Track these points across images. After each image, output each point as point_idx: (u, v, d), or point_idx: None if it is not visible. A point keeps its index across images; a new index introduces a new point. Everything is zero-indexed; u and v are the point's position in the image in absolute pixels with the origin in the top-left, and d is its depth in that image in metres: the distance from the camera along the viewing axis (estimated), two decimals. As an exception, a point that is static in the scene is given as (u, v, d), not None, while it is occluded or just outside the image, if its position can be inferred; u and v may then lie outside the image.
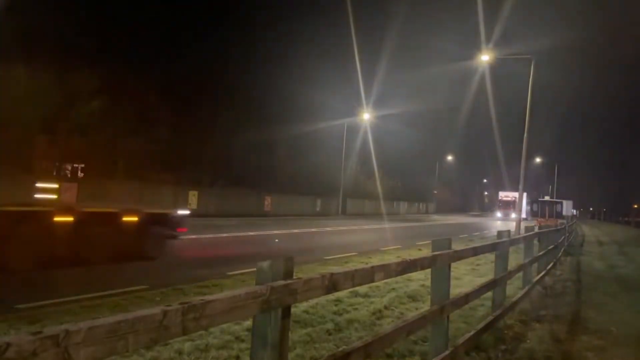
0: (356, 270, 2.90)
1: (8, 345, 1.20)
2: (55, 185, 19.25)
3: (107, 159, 37.50)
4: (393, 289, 8.20)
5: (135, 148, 37.96)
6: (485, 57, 23.78)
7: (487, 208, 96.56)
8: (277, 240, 17.42)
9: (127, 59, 38.06)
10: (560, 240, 15.03)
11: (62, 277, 8.46)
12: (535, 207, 52.41)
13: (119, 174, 36.23)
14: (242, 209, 33.93)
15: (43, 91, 30.74)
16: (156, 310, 1.63)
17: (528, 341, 5.84)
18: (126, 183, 30.78)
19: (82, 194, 24.66)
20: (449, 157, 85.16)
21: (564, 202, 49.36)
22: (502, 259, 6.53)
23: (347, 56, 60.60)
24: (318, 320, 5.97)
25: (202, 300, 1.81)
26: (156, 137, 41.10)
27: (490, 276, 7.40)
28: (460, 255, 5.08)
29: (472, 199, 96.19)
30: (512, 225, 26.81)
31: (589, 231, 40.70)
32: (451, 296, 4.54)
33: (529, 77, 22.29)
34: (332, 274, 2.63)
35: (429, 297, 4.64)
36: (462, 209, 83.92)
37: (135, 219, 10.54)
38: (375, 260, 11.28)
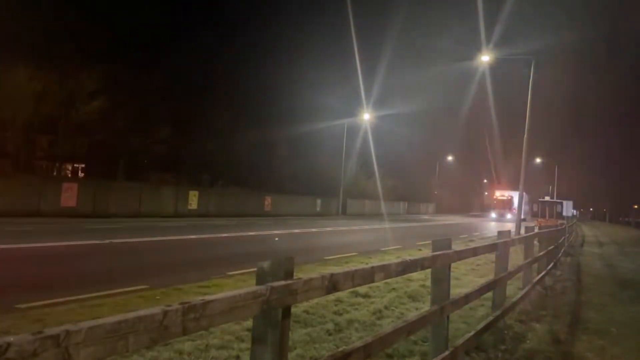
0: (356, 271, 2.90)
1: (9, 345, 1.21)
2: None
3: (107, 159, 37.56)
4: (393, 289, 8.20)
5: (135, 148, 38.05)
6: (485, 58, 23.77)
7: (487, 208, 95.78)
8: (277, 239, 17.43)
9: (128, 60, 38.12)
10: (560, 241, 15.03)
11: (62, 277, 8.47)
12: (535, 207, 52.65)
13: (119, 174, 36.28)
14: (242, 209, 33.92)
15: (43, 91, 30.75)
16: (156, 310, 1.63)
17: (528, 341, 5.84)
18: (126, 183, 30.75)
19: (83, 193, 24.62)
20: (449, 157, 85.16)
21: (564, 203, 49.32)
22: (502, 259, 6.53)
23: (348, 56, 60.69)
24: (318, 320, 5.97)
25: (202, 300, 1.81)
26: (157, 137, 41.19)
27: (490, 276, 7.41)
28: (460, 256, 5.09)
29: (472, 199, 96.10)
30: (508, 227, 26.61)
31: (589, 232, 40.70)
32: (451, 296, 4.54)
33: (529, 78, 22.28)
34: (332, 274, 2.63)
35: (429, 297, 4.65)
36: (462, 209, 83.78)
37: None
38: (376, 261, 11.28)
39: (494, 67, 25.75)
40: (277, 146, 45.58)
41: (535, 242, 10.30)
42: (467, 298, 5.04)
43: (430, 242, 4.66)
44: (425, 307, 5.77)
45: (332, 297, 6.72)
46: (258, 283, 2.25)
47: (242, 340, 4.81)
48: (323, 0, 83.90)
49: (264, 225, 23.62)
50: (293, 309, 2.87)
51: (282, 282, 2.25)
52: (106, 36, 33.91)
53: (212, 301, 1.84)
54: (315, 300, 6.22)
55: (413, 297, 7.75)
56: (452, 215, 64.87)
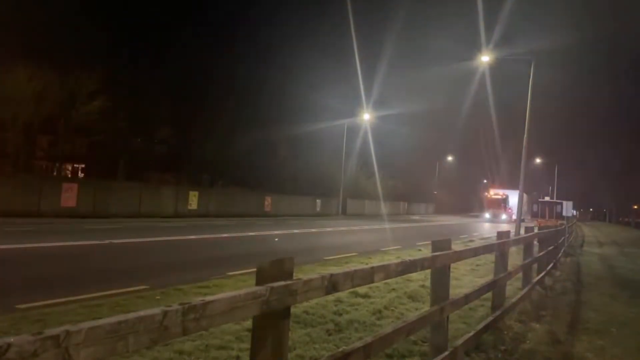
0: (356, 271, 2.91)
1: (9, 345, 1.21)
2: None
3: (107, 159, 37.57)
4: (393, 289, 8.21)
5: (135, 148, 38.05)
6: (485, 58, 23.77)
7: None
8: (276, 240, 17.44)
9: (128, 60, 38.15)
10: (560, 241, 15.04)
11: (62, 277, 8.47)
12: (535, 207, 52.01)
13: (119, 174, 36.28)
14: (242, 209, 33.92)
15: (43, 91, 30.75)
16: (156, 310, 1.64)
17: (528, 342, 5.84)
18: (126, 183, 30.73)
19: (83, 194, 24.61)
20: (449, 158, 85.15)
21: (564, 203, 49.25)
22: (501, 260, 6.53)
23: (348, 56, 60.70)
24: (318, 320, 5.98)
25: (202, 300, 1.81)
26: (157, 137, 41.20)
27: (490, 277, 7.41)
28: (460, 256, 5.09)
29: (472, 199, 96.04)
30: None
31: (589, 232, 40.70)
32: (451, 297, 4.55)
33: (529, 78, 22.29)
34: (331, 275, 2.63)
35: (429, 297, 4.65)
36: (463, 210, 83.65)
37: None
38: (375, 261, 11.28)
39: (494, 67, 25.75)
40: (277, 146, 45.58)
41: (535, 242, 10.31)
42: (466, 298, 5.05)
43: (430, 242, 4.66)
44: (425, 307, 5.77)
45: (332, 297, 6.72)
46: (258, 283, 2.25)
47: (242, 341, 4.82)
48: (324, 1, 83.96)
49: (264, 226, 23.63)
50: (293, 309, 2.88)
51: (282, 283, 2.25)
52: (106, 36, 33.95)
53: (212, 302, 1.84)
54: (315, 301, 6.22)
55: (413, 298, 7.75)
56: (451, 216, 64.02)
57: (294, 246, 15.84)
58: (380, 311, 6.69)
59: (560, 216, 43.04)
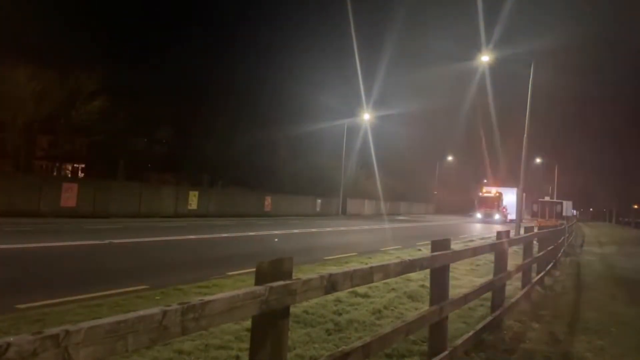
0: (355, 271, 2.91)
1: (9, 345, 1.21)
2: None
3: (107, 159, 37.57)
4: (393, 289, 8.21)
5: (135, 148, 38.05)
6: (485, 58, 23.78)
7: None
8: (276, 240, 17.44)
9: (128, 60, 38.20)
10: (560, 241, 15.04)
11: (62, 277, 8.47)
12: (535, 207, 51.56)
13: (119, 174, 36.28)
14: (242, 209, 33.91)
15: (43, 91, 30.75)
16: (156, 310, 1.64)
17: (527, 341, 5.85)
18: (126, 183, 30.72)
19: (83, 194, 24.60)
20: (449, 157, 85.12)
21: (564, 203, 49.21)
22: (501, 260, 6.53)
23: (348, 56, 60.77)
24: (318, 320, 5.98)
25: (201, 300, 1.82)
26: (157, 137, 41.22)
27: (489, 276, 7.41)
28: (459, 256, 5.10)
29: (473, 199, 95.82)
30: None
31: (588, 232, 40.70)
32: (450, 296, 4.55)
33: (529, 79, 22.29)
34: (330, 275, 2.64)
35: (429, 297, 4.65)
36: (463, 210, 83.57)
37: None
38: (375, 261, 11.29)
39: (495, 67, 25.74)
40: (277, 146, 45.59)
41: (535, 242, 10.31)
42: (466, 298, 5.05)
43: (429, 242, 4.67)
44: (425, 307, 5.77)
45: (331, 297, 6.73)
46: (257, 283, 2.25)
47: (242, 340, 4.82)
48: (324, 1, 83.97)
49: (264, 226, 23.63)
50: (292, 309, 2.88)
51: (281, 283, 2.26)
52: (106, 36, 34.00)
53: (211, 301, 1.85)
54: (315, 300, 6.22)
55: (412, 297, 7.76)
56: (450, 216, 63.47)
57: (294, 246, 15.84)
58: (379, 311, 6.70)
59: (560, 216, 43.03)
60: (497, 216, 47.15)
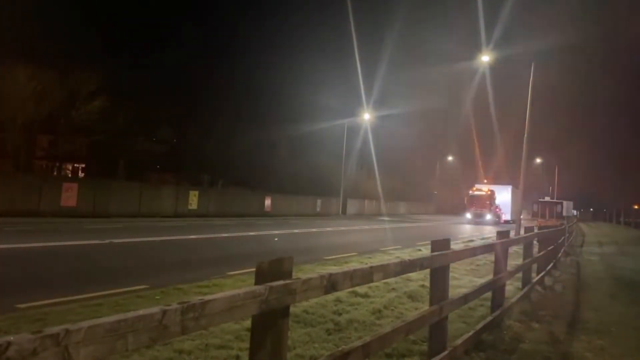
0: (355, 271, 2.91)
1: (9, 344, 1.22)
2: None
3: (107, 159, 37.59)
4: (393, 289, 8.21)
5: (135, 148, 38.05)
6: (485, 58, 23.80)
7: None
8: (276, 239, 17.44)
9: (128, 60, 38.21)
10: (560, 241, 15.04)
11: (62, 277, 8.48)
12: (535, 207, 51.36)
13: (119, 174, 36.30)
14: (242, 209, 33.92)
15: (43, 91, 30.75)
16: (155, 309, 1.64)
17: (527, 341, 5.84)
18: (126, 183, 30.72)
19: (83, 193, 24.61)
20: (449, 157, 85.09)
21: (564, 203, 49.18)
22: (501, 260, 6.53)
23: (348, 56, 60.78)
24: (318, 319, 5.98)
25: (201, 299, 1.82)
26: (157, 137, 41.23)
27: (489, 276, 7.42)
28: (459, 256, 5.10)
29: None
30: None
31: (589, 232, 40.70)
32: (450, 296, 4.55)
33: (529, 79, 22.30)
34: (330, 274, 2.64)
35: (428, 297, 4.66)
36: (463, 209, 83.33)
37: None
38: (375, 261, 11.29)
39: (495, 67, 25.76)
40: (277, 146, 45.61)
41: (535, 242, 10.31)
42: (466, 298, 5.05)
43: (429, 242, 4.67)
44: (425, 306, 5.77)
45: (331, 296, 6.73)
46: (257, 283, 2.25)
47: (242, 340, 4.82)
48: (324, 1, 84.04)
49: (264, 226, 23.63)
50: (292, 309, 2.88)
51: (281, 282, 2.26)
52: (106, 36, 34.01)
53: (211, 301, 1.85)
54: (315, 300, 6.23)
55: (412, 297, 7.76)
56: (450, 216, 62.81)
57: (294, 246, 15.84)
58: (379, 311, 6.70)
59: (560, 216, 43.01)
60: (488, 216, 42.69)
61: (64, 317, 5.45)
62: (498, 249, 6.40)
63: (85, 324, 1.42)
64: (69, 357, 1.35)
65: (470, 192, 45.68)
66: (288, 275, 2.37)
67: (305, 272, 8.32)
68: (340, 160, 46.23)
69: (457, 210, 72.28)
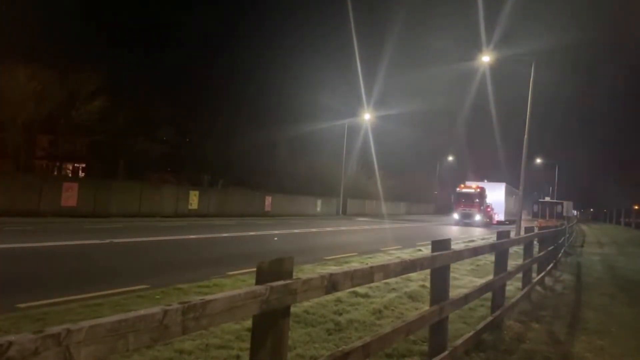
0: (355, 271, 2.91)
1: (10, 344, 1.22)
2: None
3: (107, 159, 37.61)
4: (393, 289, 8.21)
5: (135, 148, 38.08)
6: (485, 58, 23.79)
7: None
8: (276, 239, 17.44)
9: (128, 60, 38.22)
10: (560, 241, 15.04)
11: (62, 276, 8.48)
12: (535, 207, 51.34)
13: (119, 173, 36.31)
14: (242, 209, 33.94)
15: (43, 91, 30.75)
16: (156, 309, 1.64)
17: (527, 342, 5.85)
18: (126, 183, 30.73)
19: (83, 193, 24.61)
20: (450, 157, 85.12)
21: (564, 203, 49.17)
22: (501, 260, 6.53)
23: (348, 56, 60.78)
24: (318, 319, 5.98)
25: (202, 299, 1.82)
26: (157, 137, 41.23)
27: (490, 276, 7.42)
28: (459, 256, 5.10)
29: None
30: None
31: (589, 232, 40.68)
32: (450, 296, 4.55)
33: (530, 79, 22.30)
34: (331, 274, 2.64)
35: (429, 297, 4.66)
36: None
37: None
38: (376, 261, 11.29)
39: (495, 67, 25.74)
40: (278, 146, 45.61)
41: (535, 242, 10.31)
42: (466, 298, 5.05)
43: (429, 242, 4.67)
44: (425, 307, 5.77)
45: (332, 297, 6.73)
46: (258, 283, 2.25)
47: (242, 340, 4.82)
48: (324, 2, 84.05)
49: (264, 226, 23.63)
50: (293, 309, 2.88)
51: (282, 282, 2.26)
52: (106, 36, 34.04)
53: (211, 301, 1.85)
54: (316, 300, 6.23)
55: (413, 297, 7.76)
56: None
57: (294, 246, 15.84)
58: (380, 311, 6.70)
59: (560, 216, 43.00)
60: (477, 217, 38.27)
61: (64, 317, 5.45)
62: (498, 249, 6.40)
63: (86, 323, 1.42)
64: (70, 357, 1.35)
65: (458, 189, 40.98)
66: (288, 275, 2.37)
67: (305, 272, 8.33)
68: (341, 160, 46.22)
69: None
